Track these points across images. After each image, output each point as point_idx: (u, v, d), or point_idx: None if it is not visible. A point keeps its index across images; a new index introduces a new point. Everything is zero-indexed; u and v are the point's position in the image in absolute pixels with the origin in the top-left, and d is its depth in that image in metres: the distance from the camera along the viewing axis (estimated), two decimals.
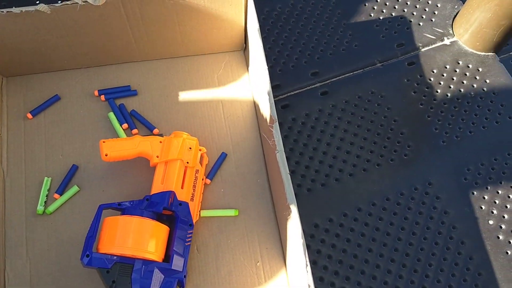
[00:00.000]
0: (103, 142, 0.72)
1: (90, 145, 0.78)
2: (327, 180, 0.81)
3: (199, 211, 0.74)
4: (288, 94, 0.87)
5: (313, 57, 0.91)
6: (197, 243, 0.73)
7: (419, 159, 0.83)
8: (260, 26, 0.70)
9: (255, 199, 0.76)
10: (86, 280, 0.70)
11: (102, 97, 0.82)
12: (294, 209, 0.59)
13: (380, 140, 0.84)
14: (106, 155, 0.71)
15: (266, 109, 0.67)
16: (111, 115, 0.81)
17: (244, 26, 0.79)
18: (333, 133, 0.85)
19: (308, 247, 0.76)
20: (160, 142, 0.74)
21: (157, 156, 0.73)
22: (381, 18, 0.94)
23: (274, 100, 0.86)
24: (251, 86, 0.83)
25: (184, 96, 0.83)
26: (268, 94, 0.65)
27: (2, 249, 0.70)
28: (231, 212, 0.75)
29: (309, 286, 0.54)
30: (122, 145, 0.72)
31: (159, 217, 0.69)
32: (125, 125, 0.80)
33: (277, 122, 0.63)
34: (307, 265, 0.55)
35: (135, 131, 0.80)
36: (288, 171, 0.61)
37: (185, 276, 0.67)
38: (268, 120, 0.65)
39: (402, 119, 0.86)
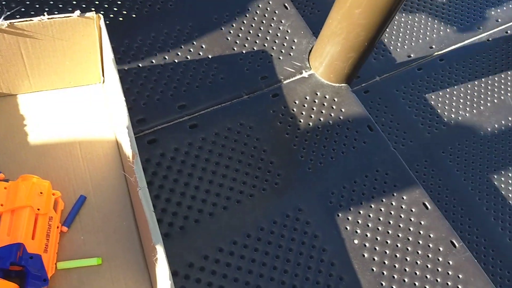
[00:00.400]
0: None
1: None
2: (201, 215, 0.79)
3: (55, 264, 0.66)
4: (155, 128, 0.84)
5: (179, 89, 0.89)
6: None
7: (289, 186, 0.85)
8: (120, 58, 0.67)
9: (121, 244, 0.70)
10: None
11: None
12: (160, 249, 0.55)
13: (251, 171, 0.85)
14: None
15: (127, 144, 0.62)
16: None
17: (100, 57, 0.74)
18: (205, 167, 0.83)
19: None
20: (5, 188, 0.65)
21: (1, 205, 0.64)
22: (244, 52, 0.96)
23: (140, 135, 0.82)
24: (112, 122, 0.78)
25: (35, 135, 0.75)
26: (127, 128, 0.61)
27: None
28: (93, 261, 0.68)
29: None
30: None
31: (6, 274, 0.60)
32: None
33: (138, 157, 0.59)
34: None
35: None
36: (152, 209, 0.57)
37: None
38: (129, 155, 0.61)
39: (270, 149, 0.87)
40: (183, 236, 0.76)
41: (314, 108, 0.94)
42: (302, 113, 0.93)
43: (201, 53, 0.95)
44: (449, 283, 0.80)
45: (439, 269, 0.81)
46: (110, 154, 0.76)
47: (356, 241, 0.82)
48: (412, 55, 1.28)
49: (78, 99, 0.80)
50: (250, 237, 0.79)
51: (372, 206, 0.85)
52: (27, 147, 0.74)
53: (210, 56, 0.95)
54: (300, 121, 0.92)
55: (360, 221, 0.84)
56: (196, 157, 0.84)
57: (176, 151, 0.83)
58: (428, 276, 0.80)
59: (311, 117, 0.93)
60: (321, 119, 0.93)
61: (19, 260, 0.60)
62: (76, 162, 0.74)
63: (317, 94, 0.95)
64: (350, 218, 0.84)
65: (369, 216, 0.85)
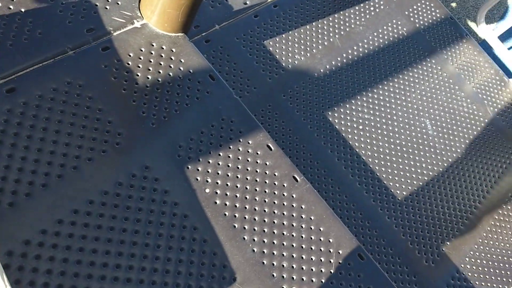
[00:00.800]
0: None
1: None
2: (33, 188, 0.71)
3: None
4: None
5: None
6: None
7: (133, 145, 0.81)
8: None
9: None
10: None
11: None
12: None
13: (87, 133, 0.78)
14: None
15: None
16: None
17: None
18: (31, 135, 0.74)
19: (21, 268, 0.65)
20: None
21: None
22: (64, 2, 0.86)
23: None
24: None
25: None
26: None
27: None
28: None
29: None
30: None
31: None
32: None
33: None
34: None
35: None
36: None
37: None
38: None
39: (107, 107, 0.81)
40: (15, 213, 0.68)
41: (152, 60, 0.89)
42: (139, 66, 0.87)
43: (11, 6, 0.82)
44: (294, 214, 0.86)
45: (285, 203, 0.87)
46: None
47: (207, 190, 0.82)
48: (248, 2, 1.29)
49: None
50: (93, 203, 0.74)
51: (221, 154, 0.86)
52: None
53: (22, 10, 0.83)
54: (138, 75, 0.87)
55: (210, 170, 0.84)
56: (19, 125, 0.74)
57: None
58: (276, 211, 0.85)
59: (149, 70, 0.88)
60: (160, 71, 0.89)
61: None
62: None
63: (153, 45, 0.90)
64: (200, 168, 0.84)
65: (218, 164, 0.86)
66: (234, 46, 1.20)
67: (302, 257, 0.82)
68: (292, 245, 0.83)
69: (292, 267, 0.81)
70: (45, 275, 0.66)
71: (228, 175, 0.85)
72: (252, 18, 1.27)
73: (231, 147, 0.88)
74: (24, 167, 0.71)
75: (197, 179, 0.83)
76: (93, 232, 0.71)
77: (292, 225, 0.85)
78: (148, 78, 0.87)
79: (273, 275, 0.79)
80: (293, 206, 0.87)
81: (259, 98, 1.16)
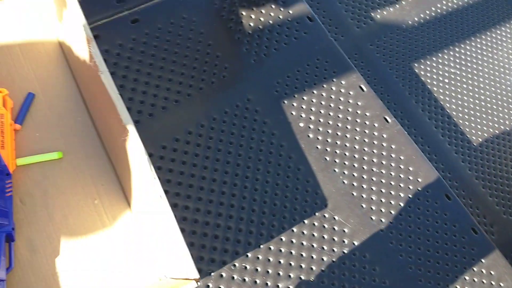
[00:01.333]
0: None
1: None
2: (154, 109, 0.80)
3: (15, 160, 0.65)
4: (95, 24, 0.81)
5: None
6: (19, 194, 0.64)
7: (236, 78, 0.88)
8: None
9: (79, 138, 0.71)
10: None
11: None
12: (132, 128, 0.57)
13: (198, 65, 0.86)
14: None
15: (79, 31, 0.61)
16: None
17: None
18: (152, 63, 0.83)
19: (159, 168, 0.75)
20: None
21: None
22: None
23: None
24: (49, 16, 0.74)
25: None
26: (79, 14, 0.59)
27: None
28: (54, 155, 0.68)
29: (160, 196, 0.54)
30: None
31: None
32: None
33: (94, 41, 0.58)
34: (154, 178, 0.55)
35: None
36: (117, 91, 0.57)
37: (13, 229, 0.59)
38: (85, 41, 0.60)
39: (216, 43, 0.89)
40: (154, 120, 0.78)
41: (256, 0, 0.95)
42: (244, 5, 0.93)
43: None
44: (384, 153, 0.90)
45: (375, 142, 0.91)
46: (52, 52, 0.73)
47: (301, 124, 0.89)
48: None
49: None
50: (203, 127, 0.82)
51: (314, 92, 0.92)
52: None
53: None
54: (243, 14, 0.93)
55: (304, 106, 0.90)
56: (142, 53, 0.83)
57: (121, 47, 0.82)
58: (366, 149, 0.90)
59: (253, 9, 0.94)
60: (263, 11, 0.94)
61: None
62: (16, 60, 0.71)
63: None
64: (295, 104, 0.90)
65: (312, 101, 0.91)
66: None
67: (391, 193, 0.87)
68: (381, 181, 0.88)
69: (381, 200, 0.86)
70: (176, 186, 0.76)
71: (321, 112, 0.91)
72: None
73: (324, 86, 0.93)
74: (148, 91, 0.81)
75: (292, 114, 0.89)
76: (204, 152, 0.80)
77: (382, 163, 0.90)
78: (251, 17, 0.93)
79: (362, 206, 0.85)
80: (383, 145, 0.91)
81: (346, 46, 1.19)
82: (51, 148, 0.68)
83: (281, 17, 0.95)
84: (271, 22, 0.94)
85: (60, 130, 0.70)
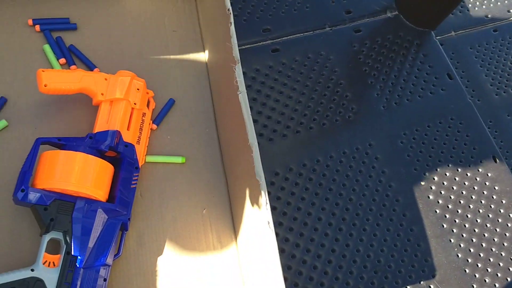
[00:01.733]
0: (42, 71, 0.64)
1: (22, 78, 0.70)
2: (274, 135, 0.81)
3: (145, 156, 0.70)
4: (240, 47, 0.85)
5: (266, 13, 0.90)
6: (141, 188, 0.69)
7: (362, 121, 0.86)
8: None
9: (202, 148, 0.74)
10: (14, 218, 0.62)
11: (37, 27, 0.73)
12: (255, 148, 0.58)
13: (326, 101, 0.86)
14: (45, 86, 0.64)
15: (228, 51, 0.64)
16: (47, 47, 0.73)
17: None
18: (282, 91, 0.85)
19: (268, 193, 0.75)
20: (106, 79, 0.69)
21: (102, 94, 0.68)
22: None
23: None
24: (203, 32, 0.80)
25: (129, 36, 0.78)
26: (232, 34, 0.62)
27: None
28: (178, 159, 0.72)
29: (268, 222, 0.53)
30: (63, 77, 0.66)
31: (102, 157, 0.64)
32: (63, 60, 0.73)
33: (239, 63, 0.61)
34: (266, 203, 0.55)
35: (73, 67, 0.73)
36: (249, 112, 0.59)
37: (129, 219, 0.63)
38: (231, 61, 0.63)
39: (347, 83, 0.88)
40: (272, 145, 0.79)
41: (396, 48, 0.93)
42: (383, 52, 0.92)
43: None
44: (507, 234, 0.81)
45: (499, 220, 0.82)
46: (198, 64, 0.79)
47: (422, 183, 0.83)
48: (489, 16, 1.23)
49: (170, 6, 0.81)
50: (319, 163, 0.81)
51: (443, 152, 0.86)
52: (121, 47, 0.77)
53: None
54: (380, 60, 0.91)
55: (428, 165, 0.85)
56: (275, 80, 0.85)
57: (257, 71, 0.85)
58: (488, 225, 0.81)
59: (391, 57, 0.92)
60: (401, 60, 0.92)
61: (116, 146, 0.65)
62: (167, 67, 0.77)
63: (400, 36, 0.94)
64: (419, 160, 0.85)
65: (439, 161, 0.85)
66: (466, 55, 1.17)
67: (507, 279, 0.77)
68: (499, 264, 0.79)
69: (495, 285, 0.77)
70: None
71: (446, 174, 0.84)
72: (491, 31, 1.21)
73: (454, 147, 0.87)
74: (272, 116, 0.82)
75: (414, 170, 0.84)
76: (315, 187, 0.79)
77: (503, 244, 0.80)
78: (388, 64, 0.91)
79: (473, 286, 0.76)
80: (508, 225, 0.82)
81: (481, 111, 1.11)
82: (177, 152, 0.72)
83: (419, 69, 0.92)
84: (408, 72, 0.91)
85: (188, 137, 0.74)
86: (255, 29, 0.88)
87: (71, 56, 0.74)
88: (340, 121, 0.85)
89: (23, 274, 0.54)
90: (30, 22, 0.73)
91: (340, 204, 0.79)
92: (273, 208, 0.76)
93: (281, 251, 0.74)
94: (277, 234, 0.74)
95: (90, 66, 0.74)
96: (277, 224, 0.75)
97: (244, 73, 0.84)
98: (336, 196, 0.79)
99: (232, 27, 0.64)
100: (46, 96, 0.68)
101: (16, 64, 0.71)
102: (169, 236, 0.67)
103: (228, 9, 0.65)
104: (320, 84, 0.87)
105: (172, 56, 0.78)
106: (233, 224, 0.70)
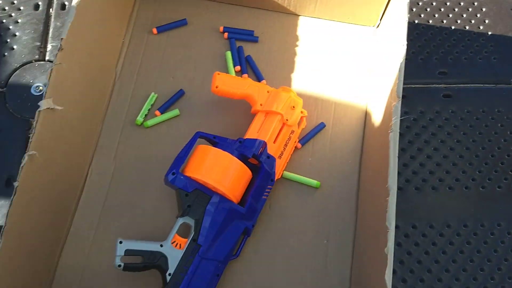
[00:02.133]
0: (218, 74, 0.72)
1: (201, 76, 0.79)
2: (423, 185, 0.76)
3: (283, 171, 0.73)
4: (408, 85, 0.82)
5: (445, 56, 0.84)
6: (271, 201, 0.71)
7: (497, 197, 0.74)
8: None
9: (340, 178, 0.73)
10: (160, 195, 0.71)
11: (226, 34, 0.82)
12: (393, 192, 0.55)
13: (492, 162, 0.77)
14: (216, 87, 0.71)
15: (389, 84, 0.62)
16: (228, 54, 0.81)
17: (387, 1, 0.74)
18: (444, 140, 0.79)
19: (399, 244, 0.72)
20: (268, 91, 0.73)
21: (261, 104, 0.72)
22: None
23: None
24: (371, 65, 0.79)
25: (302, 56, 0.81)
26: (400, 70, 0.60)
27: (94, 146, 0.73)
28: (313, 183, 0.72)
29: (386, 273, 0.50)
30: (233, 82, 0.72)
31: (244, 162, 0.68)
32: (238, 68, 0.80)
33: (400, 101, 0.59)
34: (387, 250, 0.51)
35: (245, 75, 0.79)
36: (397, 154, 0.57)
37: (253, 226, 0.66)
38: (391, 97, 0.61)
39: None
40: (418, 195, 0.75)
41: None
42: None
43: (481, 27, 0.87)
44: None
45: None
46: (358, 97, 0.78)
47: None
48: None
49: (348, 35, 0.82)
50: (466, 228, 0.73)
51: None
52: (291, 65, 0.80)
53: (490, 33, 0.87)
54: None
55: None
56: (439, 128, 0.79)
57: (421, 114, 0.80)
58: None
59: None
60: None
61: (259, 155, 0.68)
62: (328, 91, 0.78)
63: None
64: None
65: None
66: None
67: None
68: None
69: None
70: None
71: None
72: None
73: None
74: (425, 164, 0.77)
75: None
76: (454, 253, 0.71)
77: None
78: None
79: None
80: None
81: None
82: (315, 175, 0.73)
83: None
84: None
85: (329, 164, 0.74)
86: (431, 70, 0.83)
87: (246, 66, 0.80)
88: (503, 188, 0.75)
89: (153, 247, 0.61)
90: (221, 29, 0.82)
91: (480, 281, 0.69)
92: (400, 262, 0.71)
93: None
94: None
95: (259, 77, 0.79)
96: (400, 280, 0.70)
97: (405, 112, 0.80)
98: (477, 270, 0.70)
99: (402, 63, 0.62)
100: (215, 97, 0.76)
101: (200, 63, 0.80)
102: (285, 254, 0.68)
103: (403, 44, 0.63)
104: (491, 142, 0.78)
105: (337, 83, 0.79)
106: (351, 264, 0.67)
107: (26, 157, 0.53)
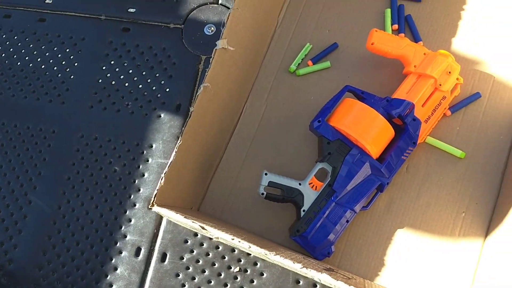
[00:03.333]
0: (376, 31, 0.73)
1: (357, 32, 0.80)
2: None
3: (426, 136, 0.72)
4: None
5: None
6: (409, 163, 0.72)
7: None
8: None
9: (487, 153, 0.70)
10: (303, 139, 0.76)
11: None
12: None
13: None
14: (372, 44, 0.72)
15: None
16: (388, 11, 0.80)
17: None
18: None
19: None
20: (424, 54, 0.72)
21: (415, 66, 0.72)
22: None
23: None
24: None
25: (466, 21, 0.77)
26: None
27: (250, 87, 0.81)
28: (457, 153, 0.71)
29: None
30: (390, 40, 0.72)
31: (389, 121, 0.69)
32: (396, 26, 0.79)
33: None
34: None
35: (402, 35, 0.79)
36: None
37: (387, 184, 0.68)
38: None
39: None
40: None
41: None
42: None
43: None
44: None
45: None
46: None
47: None
48: None
49: None
50: None
51: None
52: (454, 28, 0.77)
53: None
54: None
55: None
56: None
57: None
58: None
59: None
60: None
61: (405, 116, 0.69)
62: (488, 64, 0.74)
63: None
64: None
65: None
66: None
67: None
68: None
69: None
70: None
71: None
72: None
73: None
74: None
75: None
76: None
77: None
78: None
79: None
80: None
81: None
82: (460, 145, 0.71)
83: None
84: None
85: (477, 135, 0.71)
86: None
87: (404, 25, 0.79)
88: None
89: (292, 183, 0.68)
90: None
91: None
92: None
93: None
94: None
95: (416, 38, 0.78)
96: None
97: None
98: None
99: None
100: (368, 53, 0.77)
101: (357, 18, 0.81)
102: (415, 217, 0.69)
103: None
104: None
105: (501, 52, 0.74)
106: (483, 242, 0.66)
107: (202, 87, 0.62)
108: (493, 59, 0.75)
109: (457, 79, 0.72)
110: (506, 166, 0.69)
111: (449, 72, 0.70)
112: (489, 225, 0.67)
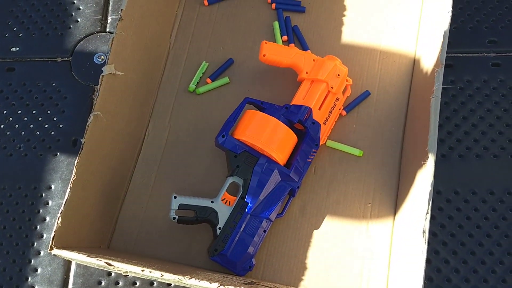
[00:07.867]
0: (265, 43, 0.75)
1: (250, 46, 0.82)
2: (467, 153, 0.76)
3: (326, 138, 0.75)
4: (455, 54, 0.82)
5: (496, 25, 0.83)
6: (315, 165, 0.75)
7: None
8: None
9: (383, 145, 0.75)
10: (211, 156, 0.76)
11: (273, 5, 0.85)
12: (431, 157, 0.57)
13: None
14: (264, 56, 0.74)
15: (435, 52, 0.63)
16: (276, 24, 0.83)
17: None
18: (491, 109, 0.78)
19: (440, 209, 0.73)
20: (313, 60, 0.76)
21: (307, 72, 0.75)
22: None
23: None
24: (417, 32, 0.79)
25: (348, 26, 0.83)
26: (444, 37, 0.61)
27: (150, 110, 0.79)
28: (356, 152, 0.75)
29: (424, 232, 0.53)
30: (280, 51, 0.75)
31: (291, 127, 0.71)
32: (285, 37, 0.82)
33: (443, 68, 0.60)
34: (427, 212, 0.54)
35: (292, 45, 0.82)
36: (437, 119, 0.58)
37: (298, 188, 0.70)
38: (436, 64, 0.62)
39: None
40: (461, 163, 0.76)
41: None
42: None
43: None
44: None
45: None
46: (404, 64, 0.79)
47: None
48: None
49: (389, 5, 0.83)
50: (493, 195, 0.73)
51: None
52: (337, 34, 0.82)
53: None
54: None
55: None
56: (486, 96, 0.79)
57: (468, 83, 0.80)
58: None
59: None
60: None
61: (304, 121, 0.71)
62: (373, 60, 0.80)
63: None
64: None
65: None
66: None
67: None
68: None
69: None
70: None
71: None
72: None
73: None
74: (470, 132, 0.77)
75: None
76: (505, 212, 0.72)
77: None
78: None
79: None
80: None
81: None
82: (359, 142, 0.75)
83: None
84: None
85: (373, 131, 0.76)
86: (480, 39, 0.82)
87: (293, 35, 0.83)
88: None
89: (204, 202, 0.67)
90: (269, 0, 0.85)
91: (495, 253, 0.70)
92: (440, 226, 0.72)
93: (437, 270, 0.70)
94: (437, 252, 0.71)
95: (304, 47, 0.82)
96: (440, 242, 0.71)
97: (451, 81, 0.80)
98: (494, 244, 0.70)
99: (447, 29, 0.62)
100: (263, 65, 0.79)
101: (249, 33, 0.83)
102: (329, 215, 0.72)
103: (449, 11, 0.64)
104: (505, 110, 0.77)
105: (382, 50, 0.80)
106: (392, 226, 0.70)
107: (91, 116, 0.59)
108: (376, 59, 0.80)
109: (347, 80, 0.77)
110: (402, 156, 0.74)
111: (338, 75, 0.75)
112: (395, 210, 0.71)
